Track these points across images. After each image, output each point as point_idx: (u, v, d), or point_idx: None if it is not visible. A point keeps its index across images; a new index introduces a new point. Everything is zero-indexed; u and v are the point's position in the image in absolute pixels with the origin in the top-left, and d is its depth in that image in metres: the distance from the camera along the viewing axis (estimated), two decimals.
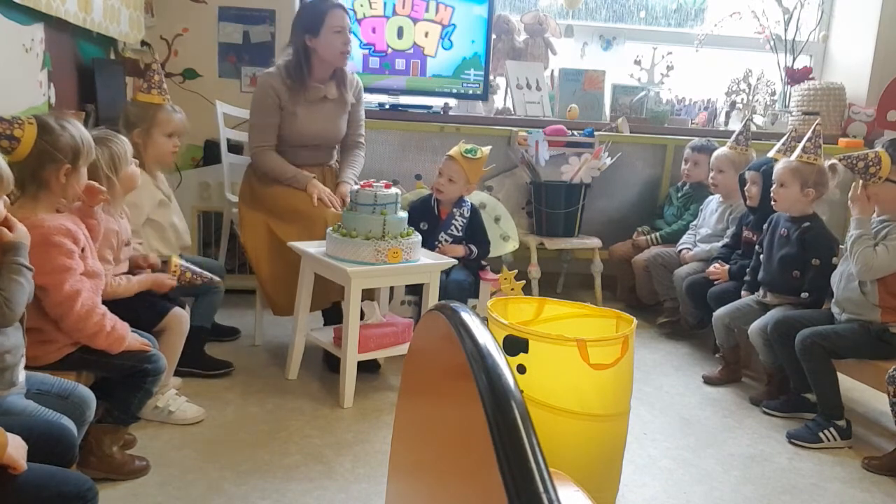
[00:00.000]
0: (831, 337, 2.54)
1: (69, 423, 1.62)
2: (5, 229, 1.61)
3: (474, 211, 3.14)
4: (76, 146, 1.89)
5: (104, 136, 2.21)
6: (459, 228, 3.08)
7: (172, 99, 2.78)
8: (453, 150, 3.05)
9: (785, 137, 3.21)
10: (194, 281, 2.51)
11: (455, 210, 3.09)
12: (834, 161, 2.85)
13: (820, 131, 2.83)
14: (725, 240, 3.35)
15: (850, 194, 2.59)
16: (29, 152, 1.79)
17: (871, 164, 2.49)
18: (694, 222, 3.65)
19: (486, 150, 3.08)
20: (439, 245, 3.02)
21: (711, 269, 3.22)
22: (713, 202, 3.58)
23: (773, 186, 2.88)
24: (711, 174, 3.53)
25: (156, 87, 2.60)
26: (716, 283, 3.18)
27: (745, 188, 3.18)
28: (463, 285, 2.95)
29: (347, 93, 3.08)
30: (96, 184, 2.04)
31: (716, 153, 3.54)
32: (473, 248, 3.06)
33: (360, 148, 3.21)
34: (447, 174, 3.04)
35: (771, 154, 3.19)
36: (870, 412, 2.86)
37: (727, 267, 3.17)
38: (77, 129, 1.91)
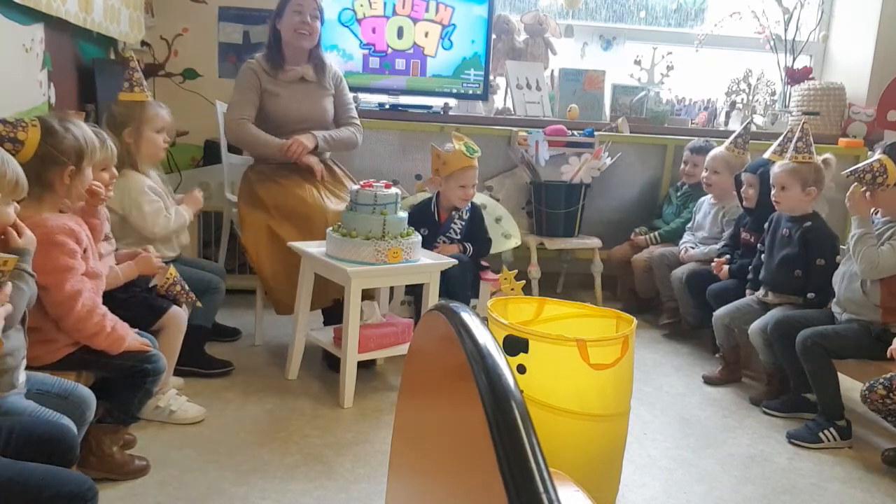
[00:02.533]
0: (832, 337, 2.54)
1: (69, 423, 1.62)
2: (14, 233, 1.61)
3: (475, 209, 3.14)
4: (80, 148, 1.89)
5: (96, 132, 2.20)
6: (458, 231, 3.09)
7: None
8: (461, 160, 2.97)
9: (781, 138, 3.19)
10: (179, 295, 2.43)
11: (454, 213, 3.09)
12: (827, 156, 2.85)
13: (808, 129, 2.83)
14: (722, 242, 3.35)
15: (847, 195, 2.59)
16: (33, 155, 1.79)
17: (877, 174, 2.46)
18: (688, 224, 3.65)
19: (465, 139, 3.07)
20: (436, 245, 3.02)
21: (715, 261, 3.21)
22: (705, 204, 3.58)
23: (774, 190, 2.87)
24: (705, 174, 3.52)
25: (137, 84, 2.58)
26: (717, 274, 3.18)
27: (742, 190, 3.18)
28: (465, 267, 2.94)
29: (327, 78, 3.12)
30: (99, 184, 2.04)
31: (711, 153, 3.53)
32: (468, 245, 3.06)
33: (352, 126, 3.22)
34: (471, 181, 3.03)
35: (767, 155, 3.18)
36: (870, 412, 2.85)
37: (727, 267, 3.17)
38: (80, 131, 1.91)
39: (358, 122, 3.25)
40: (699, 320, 3.37)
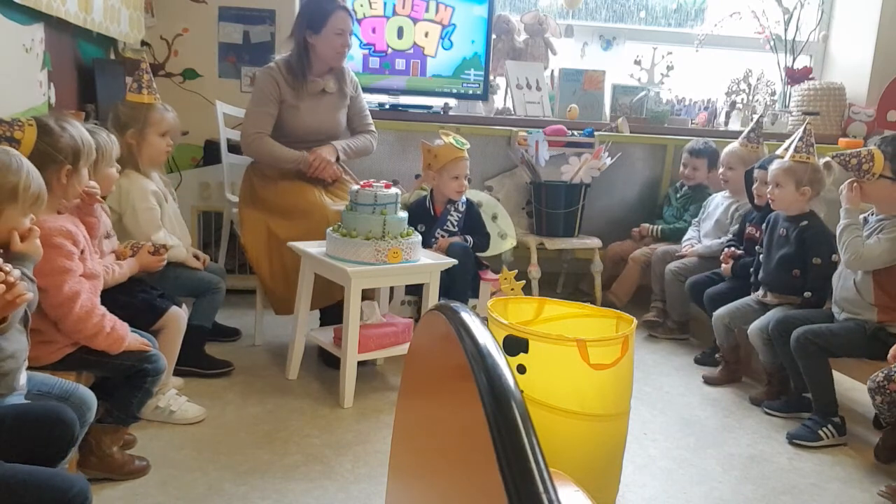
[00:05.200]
0: (826, 335, 2.54)
1: (67, 407, 1.61)
2: (16, 237, 1.60)
3: (470, 205, 3.16)
4: (76, 147, 1.89)
5: (94, 129, 2.20)
6: (455, 224, 3.10)
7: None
8: (451, 151, 3.00)
9: (793, 136, 3.19)
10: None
11: (450, 206, 3.10)
12: (829, 159, 2.85)
13: (811, 130, 2.84)
14: (728, 236, 3.35)
15: (840, 188, 2.61)
16: (29, 154, 1.79)
17: (863, 161, 2.50)
18: (696, 219, 3.65)
19: (453, 133, 3.10)
20: (436, 240, 3.02)
21: (725, 251, 3.21)
22: (717, 197, 3.57)
23: (769, 188, 2.88)
24: (721, 170, 3.52)
25: (146, 86, 2.58)
26: (722, 267, 3.19)
27: (755, 187, 3.16)
28: (466, 248, 2.94)
29: (346, 86, 3.11)
30: (95, 184, 2.04)
31: (726, 149, 3.53)
32: (469, 238, 3.07)
33: (369, 134, 3.22)
34: (463, 172, 3.04)
35: (779, 152, 3.18)
36: (869, 412, 2.85)
37: (731, 264, 3.16)
38: (77, 130, 1.91)
39: (373, 127, 3.25)
40: (684, 317, 3.44)
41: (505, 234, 3.47)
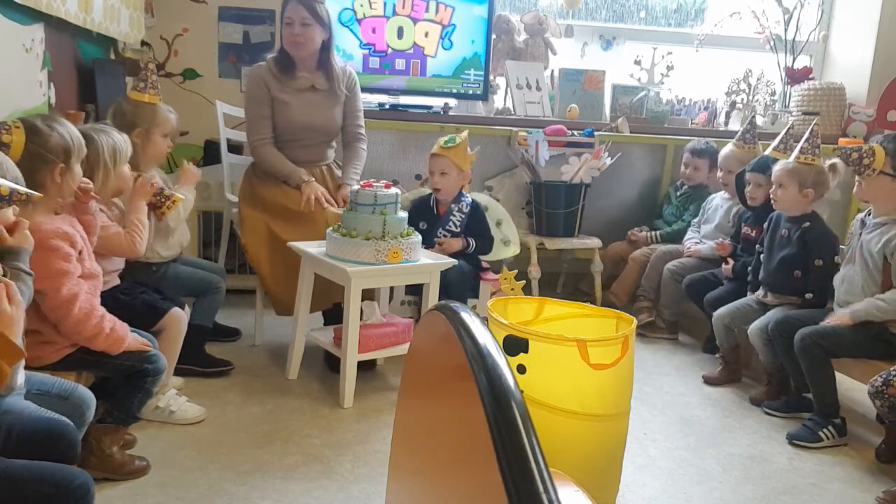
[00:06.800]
0: (830, 336, 2.54)
1: (69, 421, 1.61)
2: (5, 233, 1.60)
3: (475, 206, 3.15)
4: (67, 145, 1.88)
5: (109, 129, 2.21)
6: (458, 224, 3.09)
7: (172, 99, 2.77)
8: (434, 148, 3.08)
9: (782, 134, 3.19)
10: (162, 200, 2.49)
11: (453, 206, 3.09)
12: (834, 161, 2.85)
13: (818, 131, 2.83)
14: (729, 238, 3.35)
15: (830, 318, 2.59)
16: (21, 156, 1.78)
17: (864, 155, 2.51)
18: (695, 220, 3.65)
19: (464, 134, 3.11)
20: (437, 240, 3.02)
21: (717, 243, 3.22)
22: (717, 198, 3.57)
23: (772, 188, 2.88)
24: (720, 174, 3.51)
25: (152, 86, 2.59)
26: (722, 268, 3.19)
27: (748, 189, 3.16)
28: (463, 269, 2.94)
29: (338, 85, 3.09)
30: (88, 181, 2.03)
31: (722, 153, 3.52)
32: (471, 240, 3.07)
33: (360, 142, 3.21)
34: (437, 169, 3.06)
35: (768, 151, 3.18)
36: (870, 412, 2.85)
37: (731, 265, 3.16)
38: (65, 128, 1.90)
39: (363, 131, 3.23)
40: (676, 317, 3.45)
41: (508, 240, 3.45)
